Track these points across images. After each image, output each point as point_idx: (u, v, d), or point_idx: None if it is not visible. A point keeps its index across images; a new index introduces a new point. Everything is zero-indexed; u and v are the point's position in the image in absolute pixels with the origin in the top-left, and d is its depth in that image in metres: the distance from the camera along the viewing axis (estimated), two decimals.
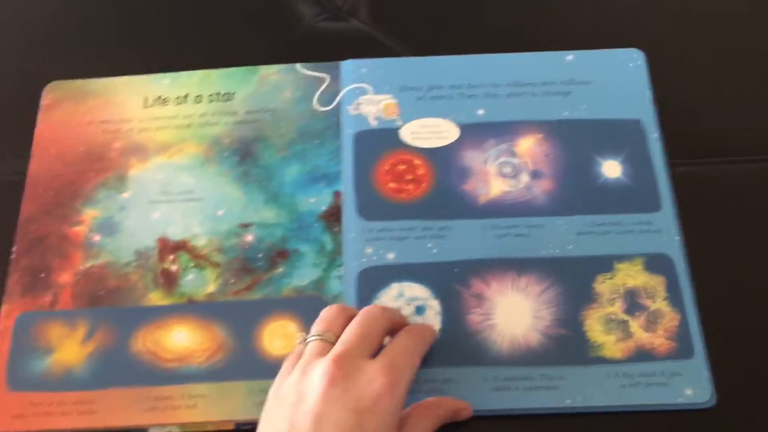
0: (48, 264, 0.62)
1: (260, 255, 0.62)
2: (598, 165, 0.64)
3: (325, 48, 0.71)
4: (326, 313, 0.54)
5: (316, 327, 0.53)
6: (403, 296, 0.59)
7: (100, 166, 0.66)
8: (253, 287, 0.61)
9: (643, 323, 0.58)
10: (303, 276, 0.61)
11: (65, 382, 0.58)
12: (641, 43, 0.69)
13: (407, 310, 0.59)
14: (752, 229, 0.62)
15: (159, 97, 0.69)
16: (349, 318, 0.53)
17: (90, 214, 0.64)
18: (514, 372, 0.56)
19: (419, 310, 0.59)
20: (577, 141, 0.65)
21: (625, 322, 0.58)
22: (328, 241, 0.62)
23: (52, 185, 0.65)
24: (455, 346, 0.57)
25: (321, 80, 0.68)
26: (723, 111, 0.68)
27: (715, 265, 0.60)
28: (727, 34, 0.72)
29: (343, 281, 0.60)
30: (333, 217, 0.63)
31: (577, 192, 0.63)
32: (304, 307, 0.60)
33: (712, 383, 0.56)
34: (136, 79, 0.70)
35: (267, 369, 0.56)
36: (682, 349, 0.57)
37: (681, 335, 0.57)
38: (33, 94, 0.69)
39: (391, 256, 0.61)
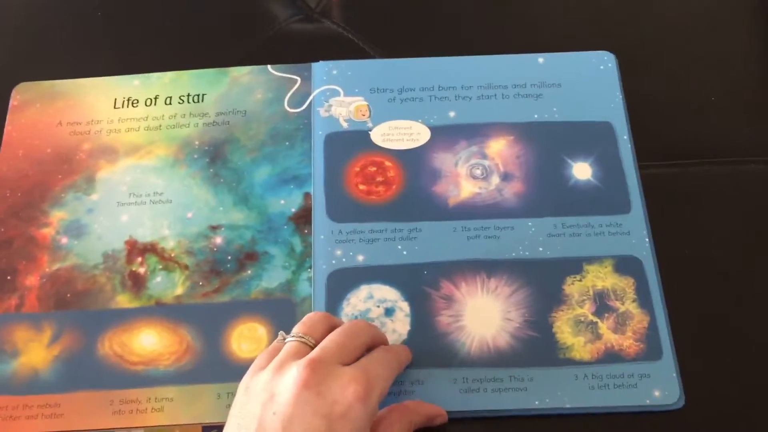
0: (14, 266, 0.62)
1: (229, 257, 0.62)
2: (568, 167, 0.64)
3: (298, 49, 0.71)
4: (309, 318, 0.54)
5: (297, 329, 0.53)
6: (373, 298, 0.59)
7: (68, 167, 0.65)
8: (222, 289, 0.60)
9: (612, 325, 0.58)
10: (272, 278, 0.61)
11: (31, 385, 0.57)
12: (612, 45, 0.69)
13: (376, 312, 0.59)
14: (721, 231, 0.62)
15: (129, 99, 0.68)
16: (332, 326, 0.53)
17: (57, 216, 0.63)
18: (483, 373, 0.56)
19: (388, 312, 0.59)
20: (547, 143, 0.65)
21: (594, 324, 0.58)
22: (297, 243, 0.62)
23: (19, 187, 0.65)
24: (424, 348, 0.57)
25: (292, 82, 0.68)
26: (693, 113, 0.68)
27: (684, 267, 0.60)
28: (697, 36, 0.72)
29: (313, 283, 0.60)
30: (303, 219, 0.63)
31: (547, 194, 0.63)
32: (272, 310, 0.59)
33: (680, 385, 0.56)
34: (105, 80, 0.69)
35: (235, 372, 0.56)
36: (650, 351, 0.57)
37: (650, 337, 0.58)
38: (1, 95, 0.69)
39: (360, 258, 0.61)
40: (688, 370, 0.56)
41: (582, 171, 0.64)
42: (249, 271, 0.61)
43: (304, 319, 0.54)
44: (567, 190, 0.63)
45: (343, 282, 0.60)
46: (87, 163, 0.66)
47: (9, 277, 0.61)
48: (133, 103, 0.68)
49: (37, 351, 0.59)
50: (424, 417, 0.54)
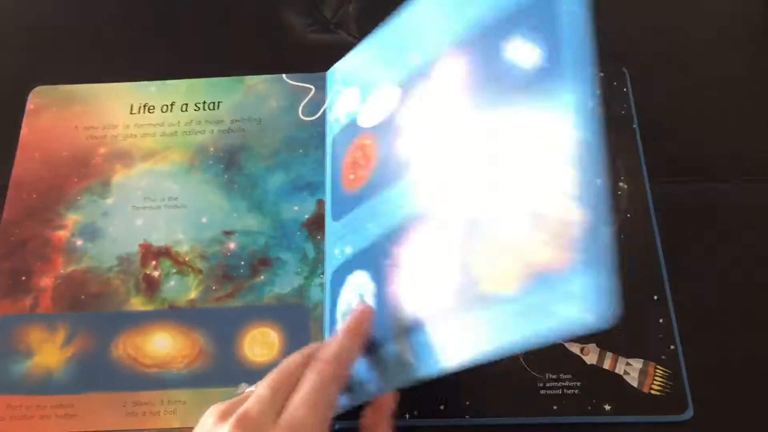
0: (29, 267, 0.62)
1: (242, 262, 0.62)
2: None
3: (313, 59, 0.72)
4: (284, 365, 0.48)
5: (262, 380, 0.47)
6: (354, 290, 0.55)
7: (84, 171, 0.66)
8: (235, 294, 0.61)
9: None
10: (285, 284, 0.61)
11: (44, 385, 0.58)
12: (623, 61, 0.70)
13: (356, 302, 0.54)
14: (731, 248, 0.63)
15: (145, 105, 0.69)
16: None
17: (73, 218, 0.64)
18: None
19: (361, 298, 0.54)
20: None
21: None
22: (310, 249, 0.62)
23: (35, 189, 0.65)
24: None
25: (306, 91, 0.69)
26: (704, 130, 0.68)
27: (693, 281, 0.61)
28: (708, 54, 0.72)
29: (325, 289, 0.60)
30: (315, 225, 0.63)
31: None
32: (285, 315, 0.60)
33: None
34: (122, 86, 0.70)
35: (247, 376, 0.57)
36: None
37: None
38: (18, 99, 0.70)
39: (348, 250, 0.57)
40: (697, 383, 0.57)
41: None
42: (262, 277, 0.61)
43: (281, 365, 0.48)
44: None
45: (340, 279, 0.57)
46: (103, 167, 0.66)
47: (24, 278, 0.62)
48: (149, 109, 0.69)
49: (50, 352, 0.59)
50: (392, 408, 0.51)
